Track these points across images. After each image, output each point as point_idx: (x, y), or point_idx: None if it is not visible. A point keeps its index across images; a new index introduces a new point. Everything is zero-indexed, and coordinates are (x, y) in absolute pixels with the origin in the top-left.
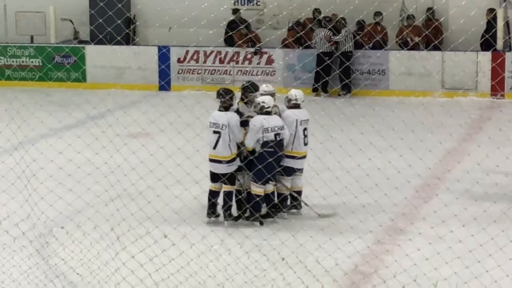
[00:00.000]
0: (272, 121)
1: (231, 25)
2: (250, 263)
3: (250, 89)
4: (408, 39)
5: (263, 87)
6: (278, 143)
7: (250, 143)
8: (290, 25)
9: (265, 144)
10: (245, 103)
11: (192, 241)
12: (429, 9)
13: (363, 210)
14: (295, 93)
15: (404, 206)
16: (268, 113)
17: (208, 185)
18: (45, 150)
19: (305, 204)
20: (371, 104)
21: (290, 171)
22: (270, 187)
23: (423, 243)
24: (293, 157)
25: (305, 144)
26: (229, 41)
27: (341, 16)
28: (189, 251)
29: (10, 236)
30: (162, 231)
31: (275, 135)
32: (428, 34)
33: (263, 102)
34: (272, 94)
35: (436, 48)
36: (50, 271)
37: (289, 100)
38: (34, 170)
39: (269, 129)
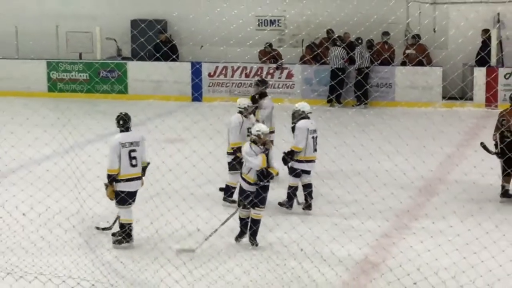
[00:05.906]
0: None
1: (156, 47)
2: (272, 253)
3: None
4: (412, 56)
5: (240, 101)
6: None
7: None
8: (308, 44)
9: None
10: None
11: (222, 234)
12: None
13: (372, 207)
14: (302, 105)
15: (408, 204)
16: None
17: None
18: (93, 153)
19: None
20: (379, 114)
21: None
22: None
23: (426, 236)
24: (306, 161)
25: (315, 150)
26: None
27: (356, 36)
28: (219, 242)
29: (62, 229)
30: (195, 225)
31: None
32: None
33: (257, 130)
34: (245, 109)
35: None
36: (96, 260)
37: (298, 112)
38: (83, 171)
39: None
